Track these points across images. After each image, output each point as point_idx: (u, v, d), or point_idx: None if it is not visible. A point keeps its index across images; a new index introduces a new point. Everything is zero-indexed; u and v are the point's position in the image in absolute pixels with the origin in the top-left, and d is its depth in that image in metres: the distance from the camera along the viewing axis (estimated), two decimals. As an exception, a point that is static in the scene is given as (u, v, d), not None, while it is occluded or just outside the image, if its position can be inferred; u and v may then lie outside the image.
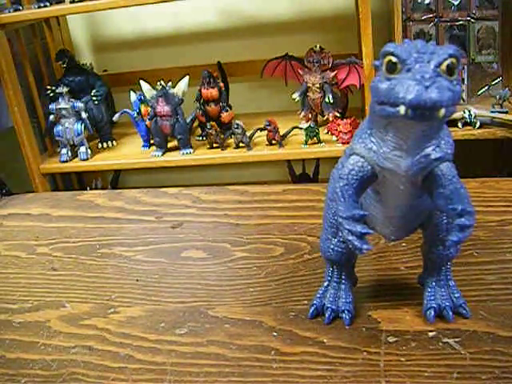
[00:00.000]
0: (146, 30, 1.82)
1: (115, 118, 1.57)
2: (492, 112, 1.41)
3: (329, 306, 0.51)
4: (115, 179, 1.86)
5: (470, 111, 1.40)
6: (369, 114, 0.44)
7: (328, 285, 0.52)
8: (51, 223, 0.81)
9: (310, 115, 1.53)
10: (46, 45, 1.73)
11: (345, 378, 0.44)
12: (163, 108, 1.47)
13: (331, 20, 1.70)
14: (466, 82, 1.51)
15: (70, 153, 1.58)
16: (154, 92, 1.47)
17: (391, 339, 0.48)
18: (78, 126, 1.55)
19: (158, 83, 1.47)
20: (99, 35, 1.87)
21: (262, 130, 1.49)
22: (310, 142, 1.45)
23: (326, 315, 0.51)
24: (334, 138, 1.46)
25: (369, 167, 0.44)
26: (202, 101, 1.55)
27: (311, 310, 0.52)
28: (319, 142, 1.45)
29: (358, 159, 0.44)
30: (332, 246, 0.50)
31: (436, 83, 0.36)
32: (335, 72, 1.48)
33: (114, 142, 1.67)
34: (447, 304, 0.49)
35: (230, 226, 0.73)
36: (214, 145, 1.52)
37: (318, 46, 1.47)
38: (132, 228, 0.76)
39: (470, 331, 0.47)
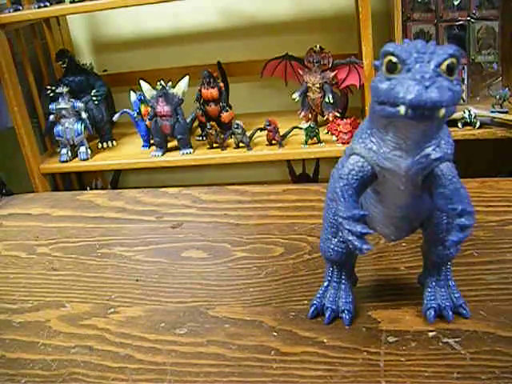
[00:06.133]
0: (145, 29, 1.81)
1: (115, 118, 1.57)
2: (492, 112, 1.41)
3: (329, 305, 0.51)
4: (115, 179, 1.86)
5: (469, 111, 1.40)
6: (369, 114, 0.44)
7: (328, 285, 0.52)
8: (51, 223, 0.81)
9: (310, 115, 1.53)
10: (46, 45, 1.73)
11: (345, 378, 0.44)
12: (163, 108, 1.47)
13: (331, 20, 1.70)
14: (465, 82, 1.51)
15: (70, 153, 1.58)
16: (154, 92, 1.47)
17: (391, 339, 0.48)
18: (78, 126, 1.54)
19: (158, 83, 1.47)
20: (99, 35, 1.87)
21: (262, 129, 1.49)
22: (310, 142, 1.45)
23: (326, 315, 0.51)
24: (334, 137, 1.46)
25: (369, 167, 0.44)
26: (201, 101, 1.55)
27: (311, 310, 0.52)
28: (319, 142, 1.45)
29: (358, 159, 0.44)
30: (332, 246, 0.50)
31: (436, 83, 0.36)
32: (335, 72, 1.48)
33: (113, 141, 1.67)
34: (447, 304, 0.49)
35: (229, 226, 0.73)
36: (214, 145, 1.52)
37: (317, 46, 1.47)
38: (132, 228, 0.76)
39: (469, 331, 0.47)
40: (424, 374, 0.44)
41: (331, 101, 1.46)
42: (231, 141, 1.51)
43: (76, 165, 1.58)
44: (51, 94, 1.55)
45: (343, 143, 1.41)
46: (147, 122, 1.52)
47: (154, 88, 1.47)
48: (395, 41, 1.36)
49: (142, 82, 1.49)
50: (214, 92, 1.52)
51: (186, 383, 0.46)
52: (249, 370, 0.46)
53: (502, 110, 1.41)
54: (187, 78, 1.49)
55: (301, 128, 1.47)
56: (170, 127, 1.49)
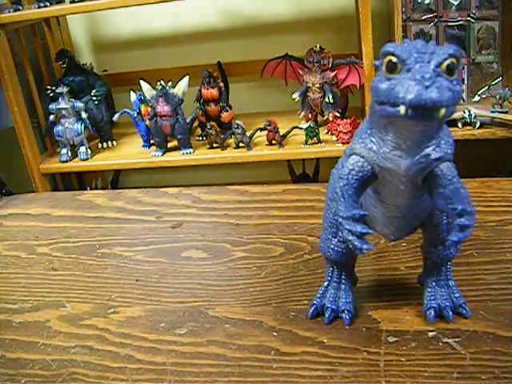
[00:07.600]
0: (145, 29, 1.82)
1: (115, 118, 1.57)
2: (492, 112, 1.41)
3: (329, 305, 0.51)
4: (115, 179, 1.86)
5: (469, 111, 1.40)
6: (369, 114, 0.44)
7: (328, 285, 0.52)
8: (51, 223, 0.81)
9: (310, 115, 1.53)
10: (46, 45, 1.73)
11: (345, 378, 0.44)
12: (163, 108, 1.47)
13: (331, 20, 1.70)
14: (465, 82, 1.51)
15: (69, 153, 1.58)
16: (154, 92, 1.47)
17: (391, 339, 0.48)
18: (78, 126, 1.55)
19: (158, 83, 1.47)
20: (99, 35, 1.87)
21: (262, 129, 1.49)
22: (310, 142, 1.45)
23: (326, 315, 0.51)
24: (334, 137, 1.46)
25: (369, 167, 0.44)
26: (201, 101, 1.55)
27: (311, 310, 0.52)
28: (319, 142, 1.45)
29: (358, 159, 0.44)
30: (332, 246, 0.50)
31: (436, 83, 0.36)
32: (335, 72, 1.48)
33: (113, 141, 1.67)
34: (447, 304, 0.49)
35: (229, 226, 0.73)
36: (214, 145, 1.52)
37: (318, 46, 1.47)
38: (132, 228, 0.76)
39: (469, 331, 0.47)
40: (424, 374, 0.44)
41: (331, 101, 1.46)
42: (231, 141, 1.51)
43: (76, 165, 1.58)
44: (51, 94, 1.55)
45: (343, 143, 1.41)
46: (147, 122, 1.52)
47: (154, 88, 1.47)
48: (395, 41, 1.36)
49: (141, 82, 1.49)
50: (214, 92, 1.52)
51: (185, 383, 0.46)
52: (249, 370, 0.46)
53: (501, 110, 1.41)
54: (187, 77, 1.49)
55: (301, 128, 1.47)
56: (170, 127, 1.49)
